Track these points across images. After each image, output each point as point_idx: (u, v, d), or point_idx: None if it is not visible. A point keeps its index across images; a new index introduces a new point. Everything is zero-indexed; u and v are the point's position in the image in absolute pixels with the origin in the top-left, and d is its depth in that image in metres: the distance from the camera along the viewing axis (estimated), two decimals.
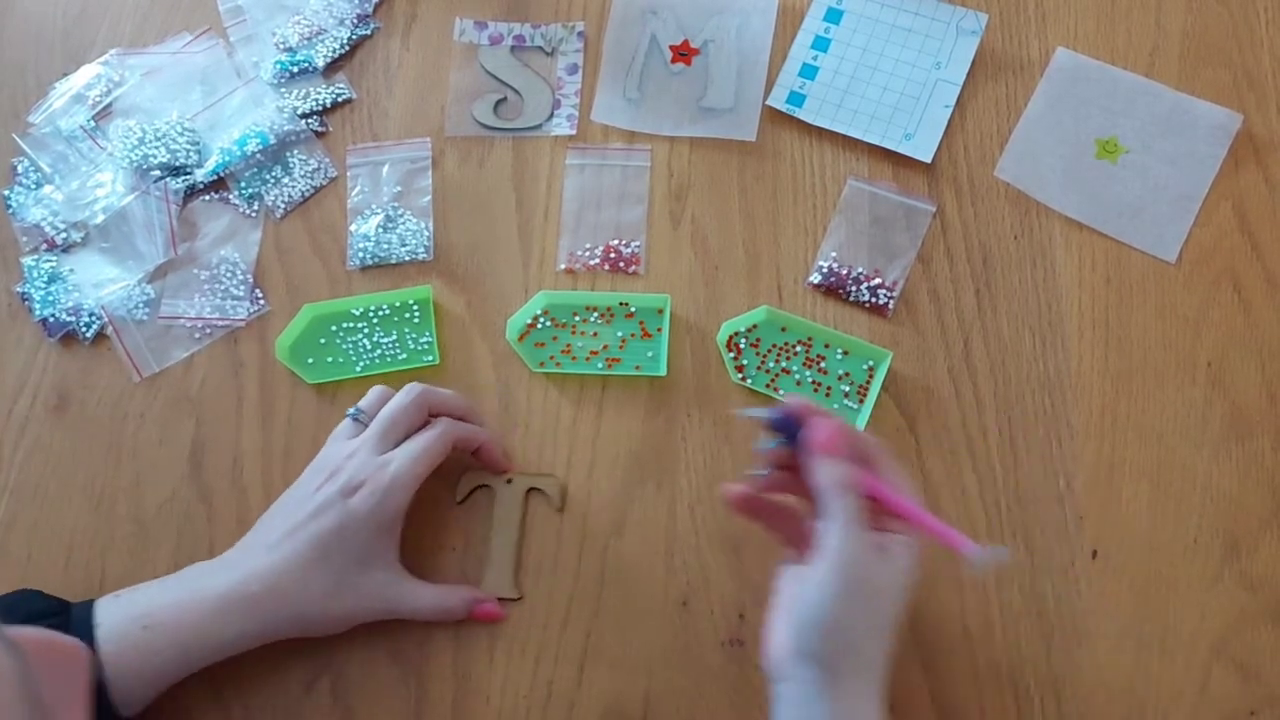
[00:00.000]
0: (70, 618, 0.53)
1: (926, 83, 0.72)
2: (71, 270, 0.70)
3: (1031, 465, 0.62)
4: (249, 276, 0.69)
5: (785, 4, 0.75)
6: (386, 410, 0.59)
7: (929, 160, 0.69)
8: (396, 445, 0.58)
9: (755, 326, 0.66)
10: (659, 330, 0.66)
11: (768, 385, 0.64)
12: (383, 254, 0.70)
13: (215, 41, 0.77)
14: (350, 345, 0.67)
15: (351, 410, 0.60)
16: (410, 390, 0.60)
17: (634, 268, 0.69)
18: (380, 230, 0.70)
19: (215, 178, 0.72)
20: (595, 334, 0.67)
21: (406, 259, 0.70)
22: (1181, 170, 0.69)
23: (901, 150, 0.70)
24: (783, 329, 0.66)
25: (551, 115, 0.73)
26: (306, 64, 0.75)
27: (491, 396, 0.66)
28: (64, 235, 0.71)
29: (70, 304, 0.68)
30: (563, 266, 0.69)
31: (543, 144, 0.72)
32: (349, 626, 0.58)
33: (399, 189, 0.71)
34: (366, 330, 0.67)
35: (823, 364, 0.65)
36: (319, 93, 0.74)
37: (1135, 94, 0.71)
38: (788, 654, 0.47)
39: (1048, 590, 0.59)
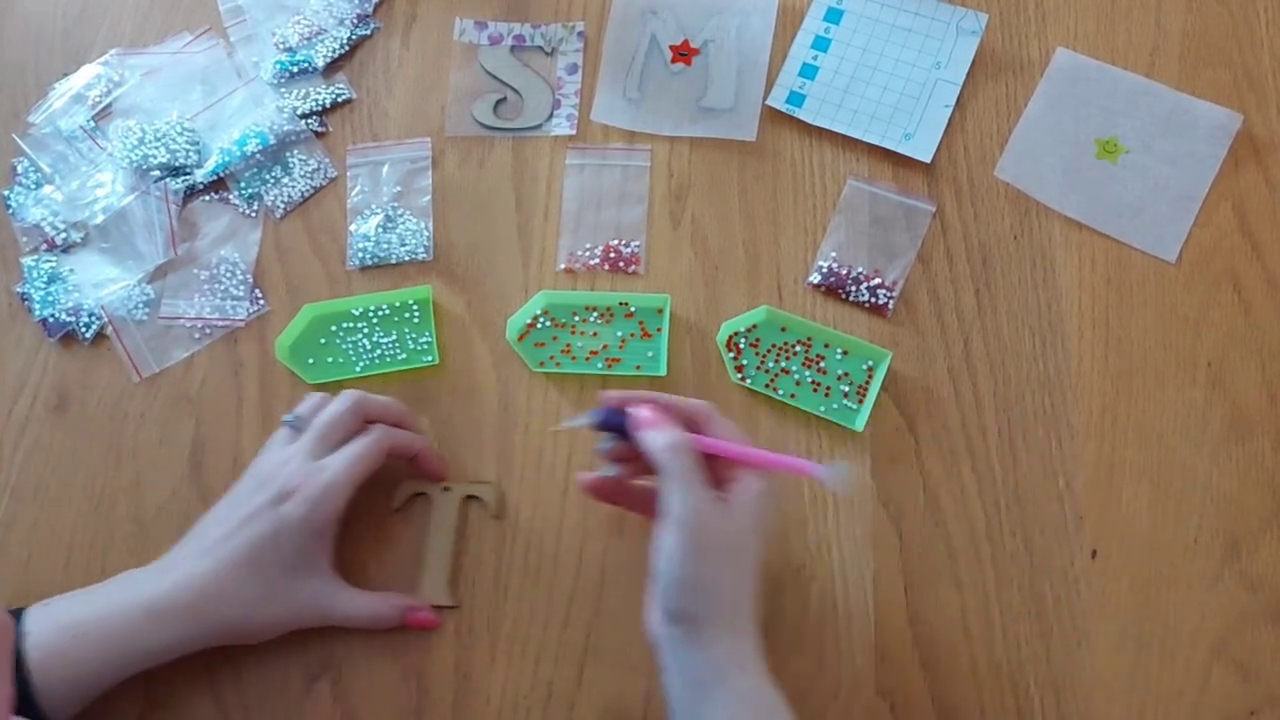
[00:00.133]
0: None
1: (926, 83, 0.72)
2: (71, 270, 0.70)
3: (1031, 465, 0.62)
4: (249, 276, 0.69)
5: (785, 4, 0.75)
6: (321, 417, 0.58)
7: (929, 160, 0.69)
8: (332, 452, 0.57)
9: (755, 326, 0.66)
10: (659, 330, 0.66)
11: (767, 385, 0.64)
12: (382, 254, 0.70)
13: (215, 41, 0.77)
14: (350, 345, 0.67)
15: (287, 417, 0.59)
16: (346, 397, 0.59)
17: (634, 268, 0.69)
18: (380, 230, 0.70)
19: (215, 178, 0.72)
20: (595, 334, 0.67)
21: (406, 259, 0.70)
22: (1182, 170, 0.69)
23: (901, 150, 0.70)
24: (782, 329, 0.66)
25: (551, 115, 0.73)
26: (306, 64, 0.75)
27: (491, 396, 0.66)
28: (64, 235, 0.71)
29: (70, 304, 0.68)
30: (562, 266, 0.69)
31: (543, 144, 0.72)
32: (281, 633, 0.57)
33: (399, 189, 0.71)
34: (366, 330, 0.67)
35: (822, 364, 0.65)
36: (319, 93, 0.74)
37: (1135, 94, 0.71)
38: (658, 618, 0.50)
39: (1047, 590, 0.59)
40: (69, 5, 0.79)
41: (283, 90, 0.75)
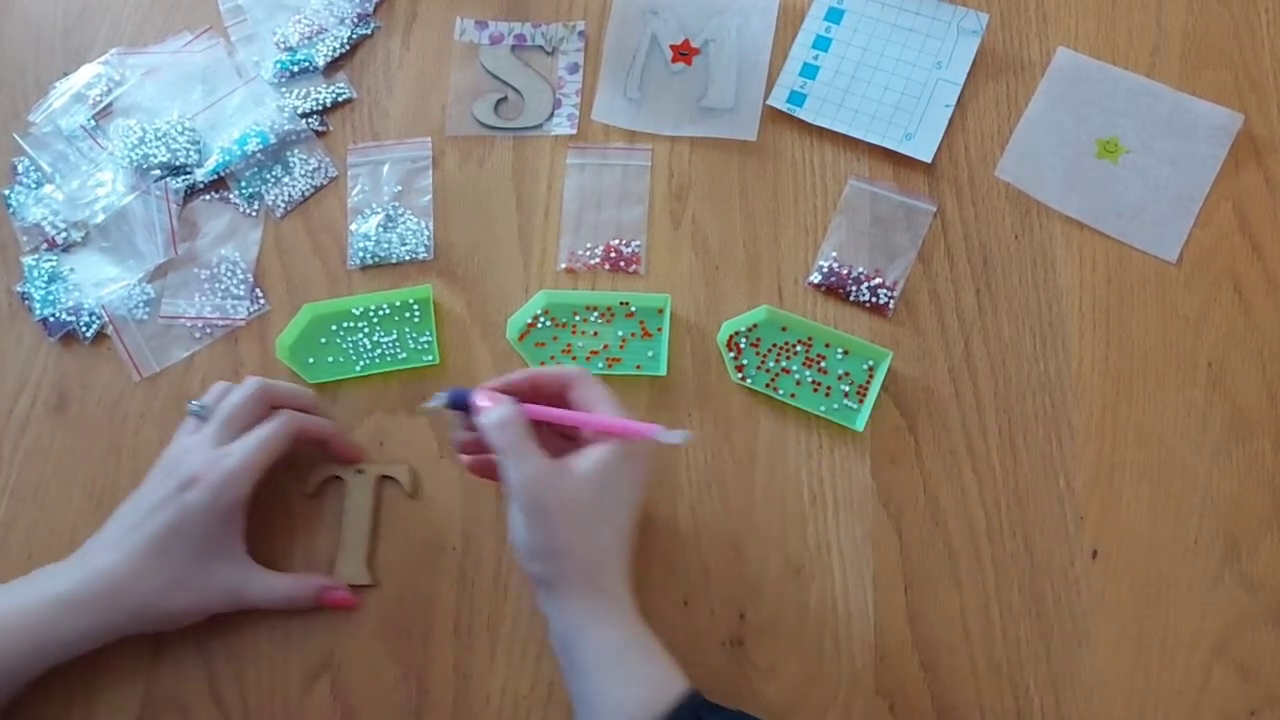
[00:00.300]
0: None
1: (927, 82, 0.72)
2: (72, 270, 0.70)
3: (1031, 465, 0.62)
4: (249, 276, 0.69)
5: (786, 4, 0.75)
6: (224, 404, 0.59)
7: (929, 160, 0.69)
8: (237, 438, 0.58)
9: (755, 326, 0.66)
10: (659, 330, 0.66)
11: (768, 385, 0.64)
12: (383, 253, 0.70)
13: (215, 41, 0.77)
14: (350, 345, 0.67)
15: (193, 405, 0.60)
16: (249, 384, 0.60)
17: (634, 267, 0.69)
18: (380, 230, 0.70)
19: (215, 177, 0.72)
20: (595, 334, 0.67)
21: (407, 258, 0.70)
22: (1182, 170, 0.69)
23: (902, 150, 0.70)
24: (783, 329, 0.66)
25: (552, 115, 0.73)
26: (307, 63, 0.75)
27: None
28: (64, 235, 0.71)
29: (70, 303, 0.68)
30: (563, 266, 0.69)
31: (543, 143, 0.72)
32: (196, 620, 0.58)
33: (399, 188, 0.71)
34: (366, 330, 0.67)
35: (823, 364, 0.65)
36: (319, 92, 0.74)
37: (1136, 94, 0.71)
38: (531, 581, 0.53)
39: (1047, 590, 0.59)
40: (69, 5, 0.79)
41: (283, 89, 0.75)
